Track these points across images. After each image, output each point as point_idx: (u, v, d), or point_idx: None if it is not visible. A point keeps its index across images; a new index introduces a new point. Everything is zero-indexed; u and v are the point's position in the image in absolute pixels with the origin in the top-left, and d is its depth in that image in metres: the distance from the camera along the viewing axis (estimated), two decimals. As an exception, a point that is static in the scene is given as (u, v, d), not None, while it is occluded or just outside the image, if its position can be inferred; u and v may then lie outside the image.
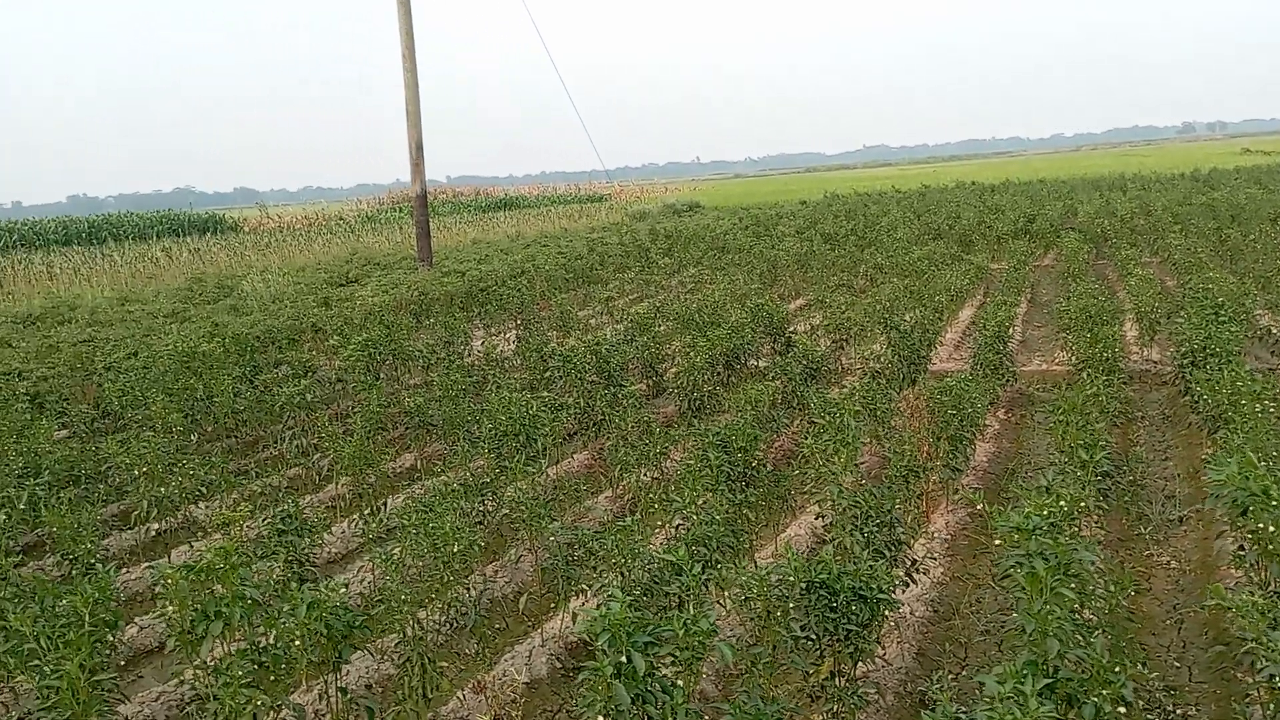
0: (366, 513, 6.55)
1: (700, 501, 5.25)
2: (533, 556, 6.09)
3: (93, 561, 5.15)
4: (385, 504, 6.78)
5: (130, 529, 6.93)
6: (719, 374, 9.57)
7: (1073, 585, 3.23)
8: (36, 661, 3.12)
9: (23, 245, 42.55)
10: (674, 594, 3.85)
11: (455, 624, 4.86)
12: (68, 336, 14.33)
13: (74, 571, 5.28)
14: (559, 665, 4.77)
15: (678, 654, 2.91)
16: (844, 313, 11.38)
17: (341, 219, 52.09)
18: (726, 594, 4.88)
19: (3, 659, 3.21)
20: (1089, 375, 7.66)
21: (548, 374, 10.24)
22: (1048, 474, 4.94)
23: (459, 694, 4.39)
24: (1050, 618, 2.96)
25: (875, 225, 24.74)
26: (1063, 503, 3.98)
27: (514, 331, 13.90)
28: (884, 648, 4.56)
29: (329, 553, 6.49)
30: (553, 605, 5.50)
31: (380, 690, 4.58)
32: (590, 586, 4.92)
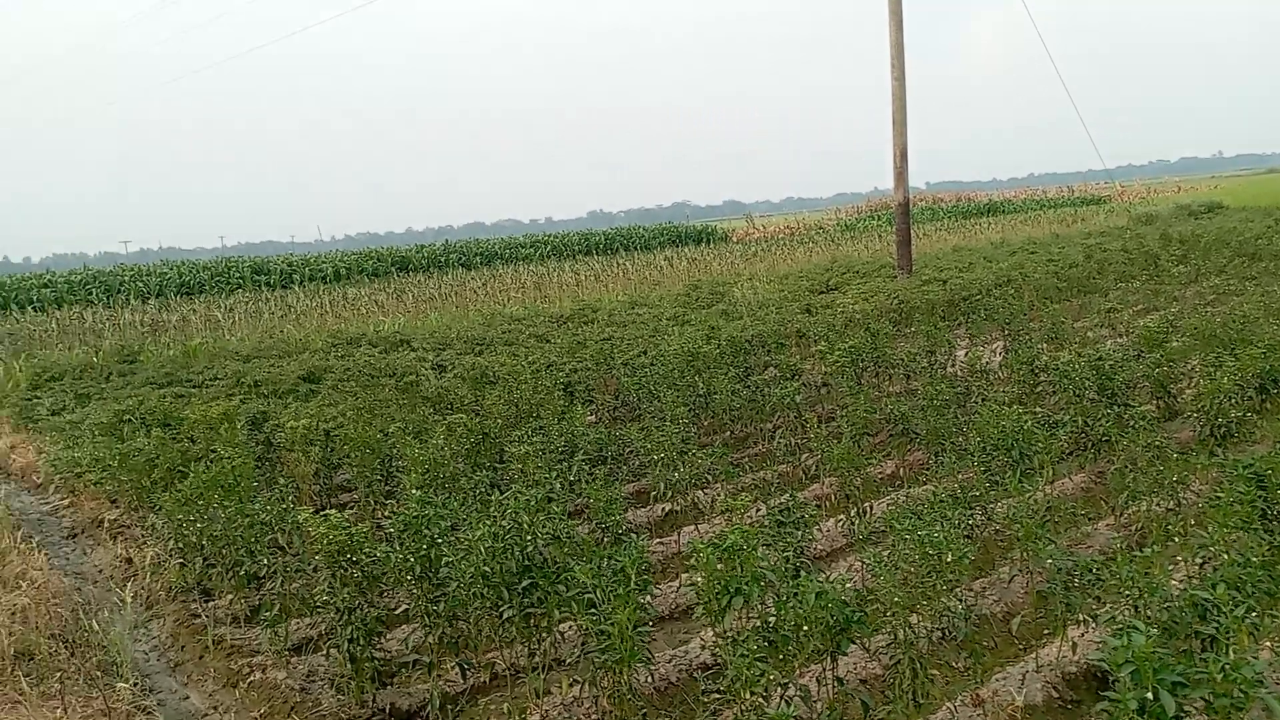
0: (852, 514, 6.74)
1: (1230, 539, 4.68)
2: (1024, 578, 5.84)
3: (620, 532, 5.91)
4: (870, 507, 6.92)
5: (644, 507, 7.84)
6: (1250, 398, 8.37)
7: None
8: (594, 610, 3.73)
9: (554, 255, 49.65)
10: (1204, 635, 3.49)
11: (945, 634, 4.84)
12: (591, 335, 16.49)
13: (605, 539, 6.12)
14: (1055, 695, 4.54)
15: (1211, 699, 2.65)
16: None
17: (821, 228, 53.63)
18: (1264, 644, 4.31)
19: (567, 603, 3.88)
20: None
21: (1038, 389, 9.70)
22: None
23: (949, 704, 4.38)
24: None
25: None
26: None
27: (1000, 343, 13.33)
28: None
29: (815, 549, 6.78)
30: (1047, 631, 5.23)
31: (868, 687, 4.71)
32: (1093, 617, 4.62)
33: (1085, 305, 16.56)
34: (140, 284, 38.47)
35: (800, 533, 5.30)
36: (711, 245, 48.72)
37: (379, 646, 5.04)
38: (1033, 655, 4.88)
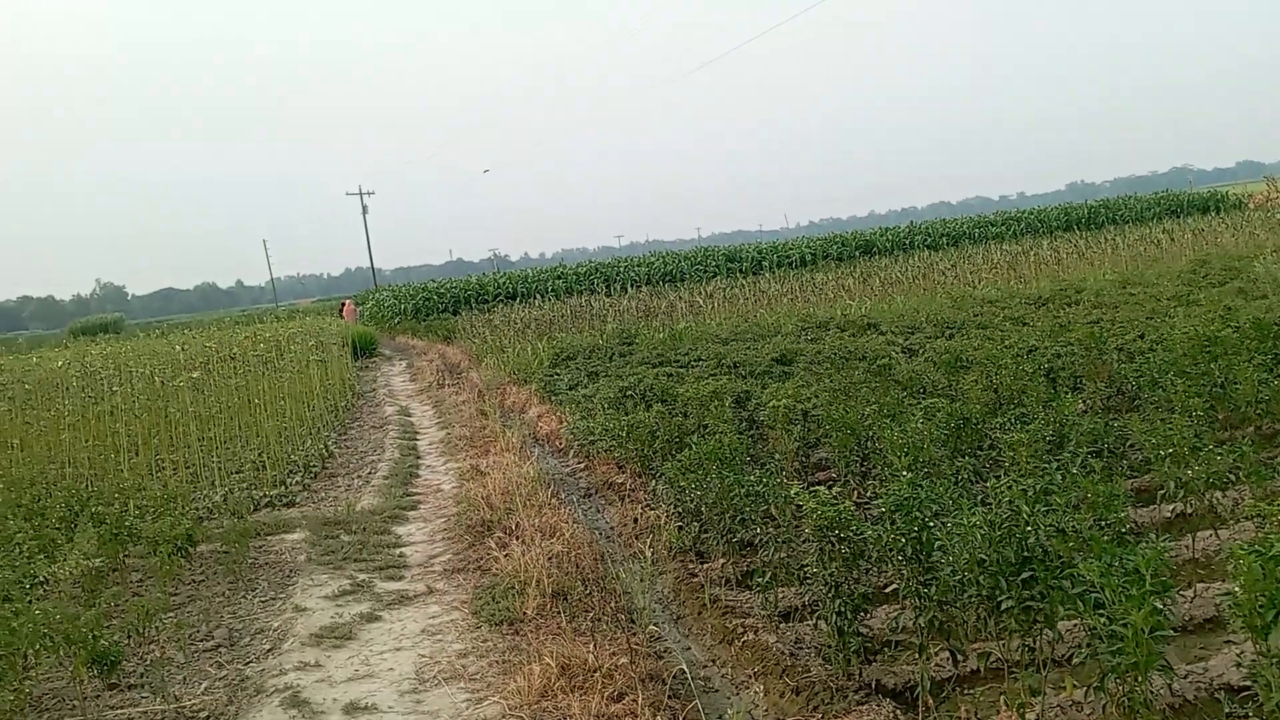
0: None
1: None
2: None
3: (1122, 530, 5.43)
4: None
5: (1146, 506, 7.12)
6: None
7: None
8: (1102, 610, 3.49)
9: (1029, 233, 46.61)
10: None
11: None
12: (1076, 317, 15.26)
13: (1104, 536, 5.65)
14: None
15: None
16: None
17: (1374, 186, 44.27)
18: None
19: (1071, 600, 3.67)
20: None
21: None
22: None
23: None
24: None
25: None
26: None
27: None
28: None
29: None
30: None
31: None
32: None
33: None
34: (632, 273, 42.88)
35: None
36: (1222, 214, 42.44)
37: (864, 623, 5.16)
38: None
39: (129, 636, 6.54)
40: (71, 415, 14.13)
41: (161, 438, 13.19)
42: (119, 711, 5.63)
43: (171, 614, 7.16)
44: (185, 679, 6.04)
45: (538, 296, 39.89)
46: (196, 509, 10.00)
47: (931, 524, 4.39)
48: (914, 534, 4.36)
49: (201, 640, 6.66)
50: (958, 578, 4.14)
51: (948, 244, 46.48)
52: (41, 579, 7.16)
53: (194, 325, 52.84)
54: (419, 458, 13.32)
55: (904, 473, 5.06)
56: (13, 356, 28.70)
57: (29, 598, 6.51)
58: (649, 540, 7.37)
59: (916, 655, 4.64)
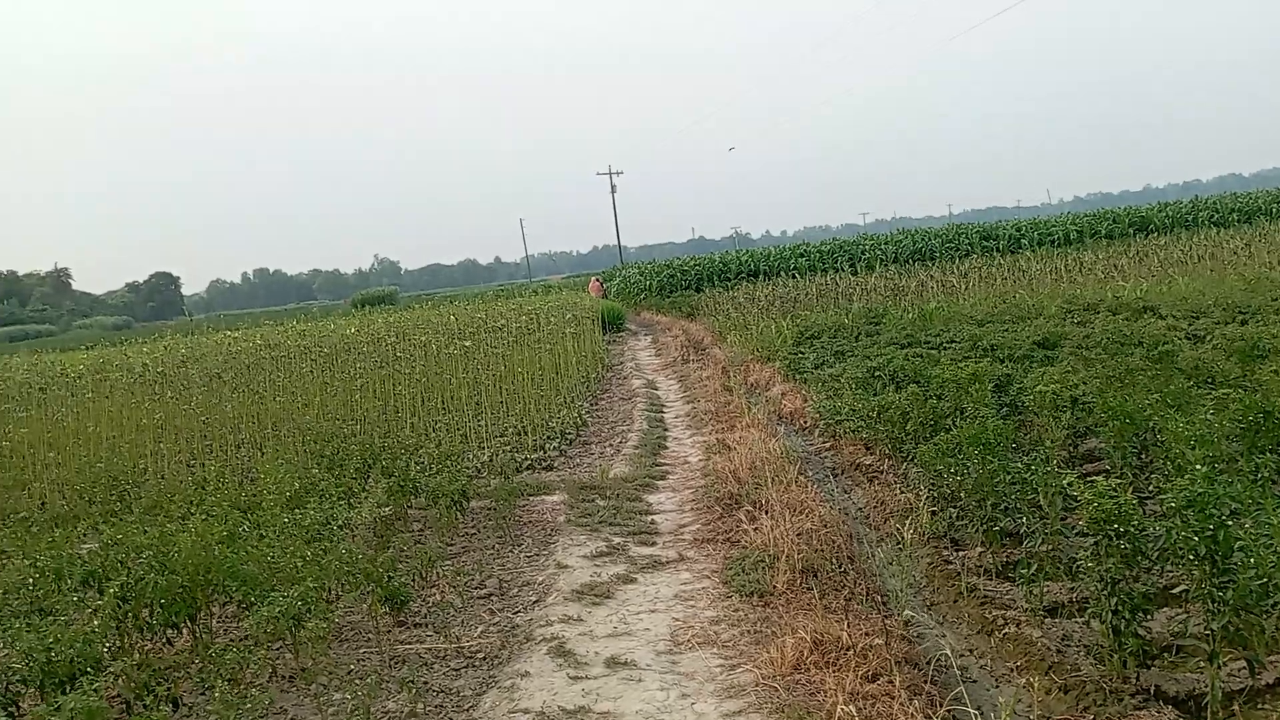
0: None
1: None
2: None
3: None
4: None
5: None
6: None
7: None
8: None
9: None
10: None
11: None
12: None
13: None
14: None
15: None
16: None
17: None
18: None
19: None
20: None
21: None
22: None
23: None
24: None
25: None
26: None
27: None
28: None
29: None
30: None
31: None
32: None
33: None
34: (879, 251, 41.74)
35: None
36: None
37: (1142, 624, 4.84)
38: None
39: (413, 579, 7.20)
40: (362, 378, 15.63)
41: (435, 401, 14.33)
42: (408, 646, 6.23)
43: (449, 562, 7.81)
44: (463, 622, 6.59)
45: (780, 274, 39.68)
46: (467, 468, 10.79)
47: (1229, 522, 4.04)
48: (1209, 533, 4.03)
49: (475, 588, 7.22)
50: (1260, 582, 3.80)
51: (1239, 220, 41.85)
52: (341, 523, 8.02)
53: (458, 298, 56.72)
54: (666, 430, 13.69)
55: (1197, 466, 4.68)
56: (310, 323, 32.03)
57: (334, 539, 7.32)
58: (905, 523, 7.22)
59: (1205, 663, 4.31)
